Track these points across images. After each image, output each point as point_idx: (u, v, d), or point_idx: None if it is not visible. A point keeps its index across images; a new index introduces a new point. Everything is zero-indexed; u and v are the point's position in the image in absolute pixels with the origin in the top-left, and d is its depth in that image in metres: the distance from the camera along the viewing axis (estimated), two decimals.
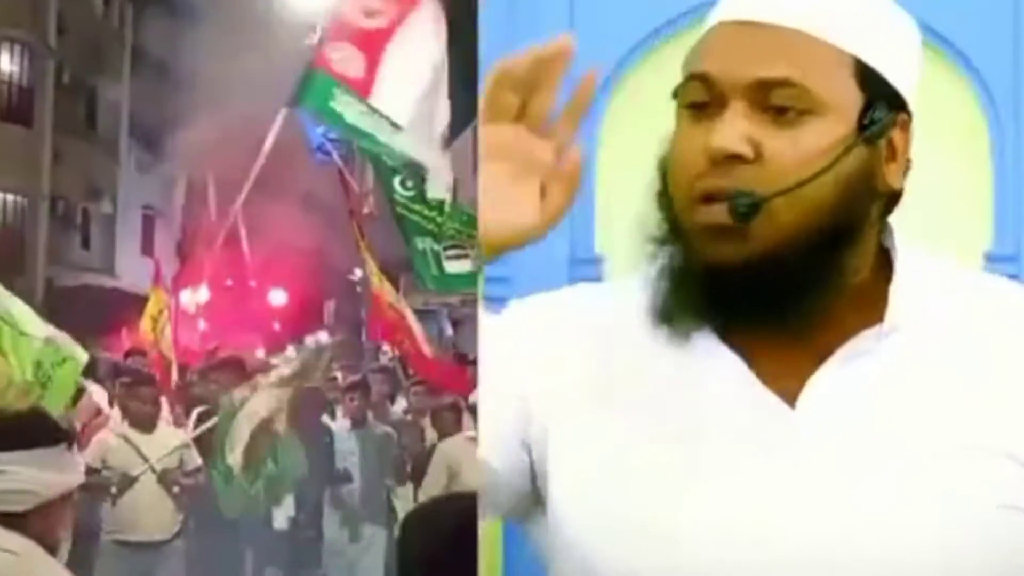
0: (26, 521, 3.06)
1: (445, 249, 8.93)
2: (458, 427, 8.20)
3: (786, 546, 1.51)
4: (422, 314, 20.50)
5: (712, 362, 1.57)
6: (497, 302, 2.68)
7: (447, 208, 8.99)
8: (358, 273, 15.73)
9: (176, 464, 7.51)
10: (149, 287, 11.97)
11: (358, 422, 8.90)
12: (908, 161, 1.60)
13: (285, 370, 7.67)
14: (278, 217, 17.72)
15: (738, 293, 1.52)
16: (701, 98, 1.56)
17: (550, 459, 1.62)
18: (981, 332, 1.58)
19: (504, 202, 1.50)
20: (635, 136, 2.68)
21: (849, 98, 1.53)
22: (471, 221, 9.03)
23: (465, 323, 16.15)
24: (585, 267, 2.66)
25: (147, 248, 22.09)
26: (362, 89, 7.91)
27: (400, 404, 10.20)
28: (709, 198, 1.53)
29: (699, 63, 1.57)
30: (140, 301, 12.56)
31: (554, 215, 1.50)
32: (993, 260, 2.57)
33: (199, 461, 7.56)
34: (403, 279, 20.82)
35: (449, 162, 8.16)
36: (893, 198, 1.61)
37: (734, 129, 1.51)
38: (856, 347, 1.56)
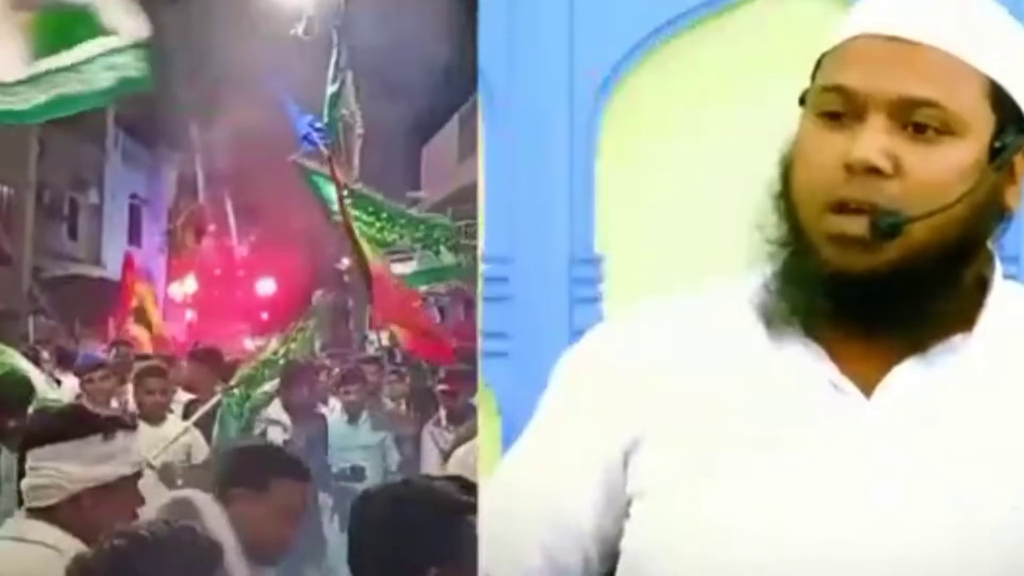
0: (57, 513, 3.09)
1: (388, 254, 8.84)
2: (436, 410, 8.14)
3: (848, 539, 1.53)
4: None
5: (794, 350, 1.60)
6: (496, 301, 2.69)
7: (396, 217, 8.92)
8: (345, 262, 15.69)
9: (183, 457, 7.40)
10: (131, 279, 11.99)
11: (354, 415, 8.85)
12: (1020, 192, 1.62)
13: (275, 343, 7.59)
14: (266, 207, 17.71)
15: (860, 302, 1.55)
16: (839, 108, 1.56)
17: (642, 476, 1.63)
18: None
19: None
20: (635, 136, 2.70)
21: (984, 120, 1.56)
22: (414, 225, 8.94)
23: (451, 311, 16.15)
24: (585, 267, 2.67)
25: (134, 238, 22.04)
26: None
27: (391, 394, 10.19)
28: (843, 207, 1.54)
29: (839, 75, 1.57)
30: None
31: None
32: None
33: (207, 452, 7.46)
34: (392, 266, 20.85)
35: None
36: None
37: (875, 142, 1.52)
38: (942, 349, 1.58)
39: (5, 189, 19.68)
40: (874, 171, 1.52)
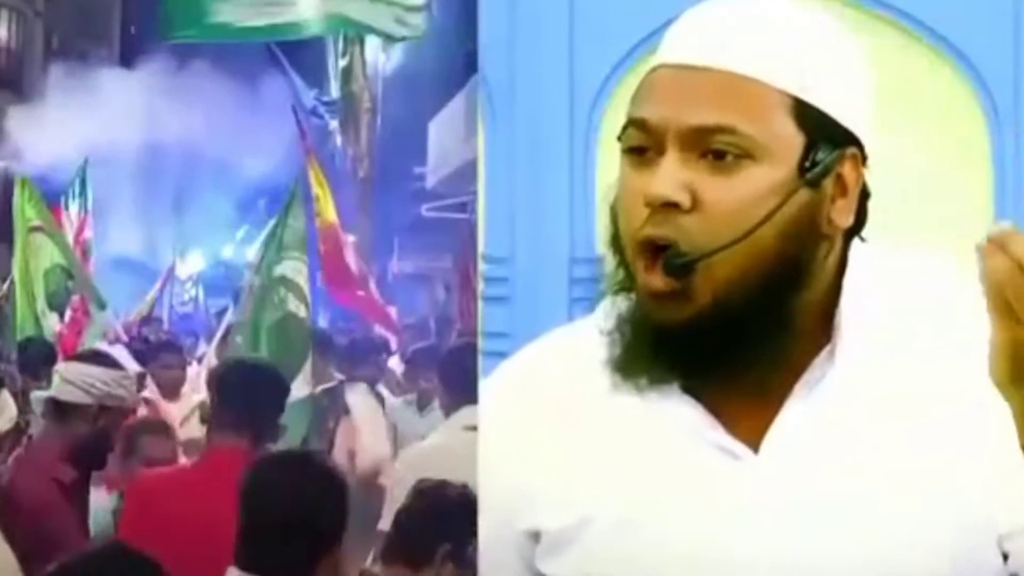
0: None
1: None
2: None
3: None
4: (416, 278, 20.54)
5: (675, 413, 1.56)
6: (496, 302, 2.70)
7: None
8: None
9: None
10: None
11: None
12: (865, 193, 1.56)
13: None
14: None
15: (688, 351, 1.51)
16: (641, 143, 1.53)
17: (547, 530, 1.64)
18: (924, 332, 1.56)
19: None
20: None
21: (788, 141, 1.50)
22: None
23: (458, 288, 16.15)
24: (585, 267, 2.67)
25: None
26: None
27: None
28: (647, 248, 1.51)
29: (637, 109, 1.55)
30: None
31: None
32: None
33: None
34: (397, 241, 20.86)
35: None
36: (856, 227, 1.57)
37: (671, 177, 1.48)
38: (809, 380, 1.55)
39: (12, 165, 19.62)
40: (673, 206, 1.48)
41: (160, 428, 5.47)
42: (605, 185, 2.71)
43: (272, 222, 7.00)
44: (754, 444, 1.55)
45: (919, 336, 1.55)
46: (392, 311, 11.04)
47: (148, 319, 12.50)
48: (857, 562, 1.51)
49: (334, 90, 21.97)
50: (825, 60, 1.53)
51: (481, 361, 2.69)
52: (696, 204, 1.48)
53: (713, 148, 1.49)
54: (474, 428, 4.16)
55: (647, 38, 2.66)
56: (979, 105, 2.61)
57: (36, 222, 7.68)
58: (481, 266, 2.70)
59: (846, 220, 1.54)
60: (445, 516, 3.07)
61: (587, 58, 2.65)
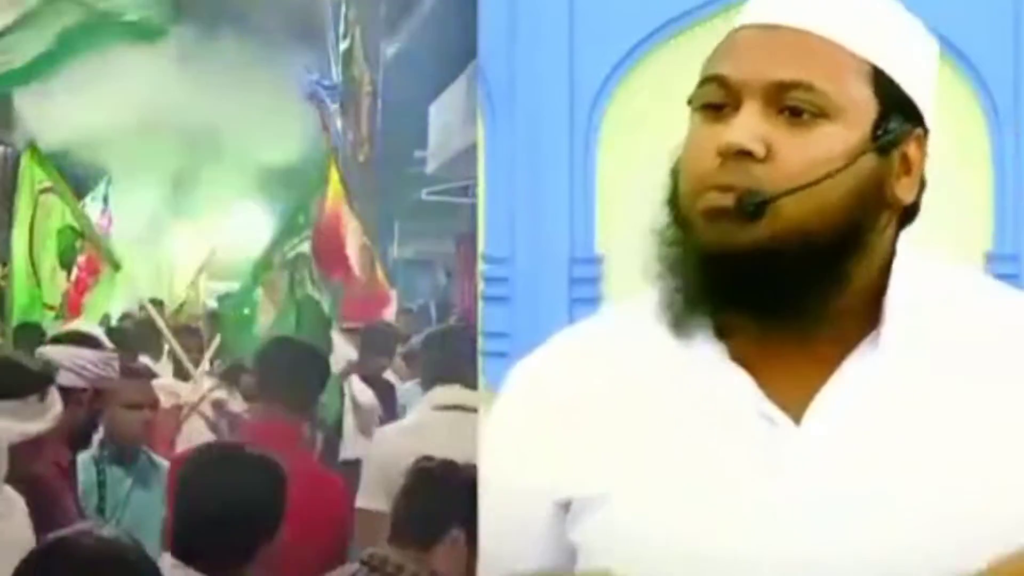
0: None
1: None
2: None
3: (794, 570, 1.52)
4: (416, 264, 20.53)
5: (720, 379, 1.58)
6: (496, 302, 2.70)
7: None
8: None
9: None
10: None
11: None
12: (923, 179, 1.60)
13: None
14: None
15: (737, 281, 1.52)
16: (717, 100, 1.56)
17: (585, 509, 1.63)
18: (978, 340, 1.59)
19: None
20: (635, 136, 2.69)
21: (864, 105, 1.54)
22: None
23: (459, 274, 16.15)
24: (585, 267, 2.67)
25: None
26: None
27: None
28: (717, 191, 1.53)
29: (716, 65, 1.58)
30: None
31: None
32: (993, 260, 2.58)
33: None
34: (397, 227, 20.84)
35: None
36: (909, 214, 1.61)
37: (747, 127, 1.51)
38: (857, 361, 1.57)
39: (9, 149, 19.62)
40: (747, 155, 1.51)
41: (138, 373, 5.45)
42: (605, 185, 2.73)
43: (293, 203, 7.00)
44: (796, 416, 1.56)
45: (968, 343, 1.58)
46: (393, 295, 11.03)
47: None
48: (883, 550, 1.52)
49: (335, 74, 21.92)
50: (903, 37, 1.58)
51: (481, 362, 2.69)
52: (770, 155, 1.51)
53: (790, 105, 1.52)
54: (447, 407, 4.21)
55: (647, 38, 2.67)
56: (979, 105, 2.61)
57: (46, 183, 7.63)
58: (481, 266, 2.70)
59: (909, 196, 1.58)
60: (451, 496, 3.08)
61: (587, 58, 2.65)
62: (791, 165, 1.51)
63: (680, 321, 1.59)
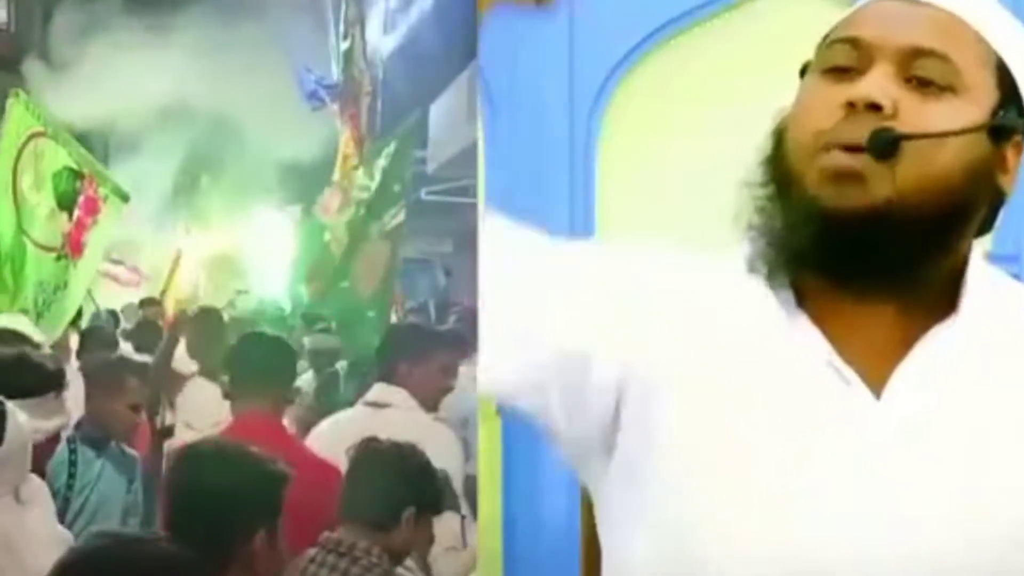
0: None
1: None
2: None
3: (859, 543, 1.53)
4: (415, 263, 20.51)
5: (801, 340, 1.57)
6: None
7: None
8: None
9: None
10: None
11: None
12: (1013, 183, 1.63)
13: None
14: None
15: (853, 243, 1.52)
16: (846, 62, 1.55)
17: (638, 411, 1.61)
18: None
19: None
20: (635, 135, 2.70)
21: (987, 90, 1.55)
22: None
23: (458, 273, 16.16)
24: None
25: None
26: None
27: None
28: (839, 146, 1.51)
29: (849, 28, 1.58)
30: None
31: None
32: (993, 260, 2.56)
33: None
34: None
35: None
36: (995, 210, 1.60)
37: (879, 83, 1.51)
38: (934, 339, 1.56)
39: None
40: (875, 110, 1.50)
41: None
42: (605, 185, 2.74)
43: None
44: (872, 385, 1.55)
45: None
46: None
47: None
48: (963, 536, 1.50)
49: (335, 73, 21.96)
50: (1020, 39, 1.60)
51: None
52: (895, 115, 1.51)
53: (919, 75, 1.53)
54: (375, 404, 4.33)
55: (647, 38, 2.68)
56: None
57: (36, 128, 7.54)
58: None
59: (1009, 188, 1.58)
60: (406, 477, 3.10)
61: (587, 58, 2.66)
62: (915, 127, 1.51)
63: (770, 275, 1.59)
